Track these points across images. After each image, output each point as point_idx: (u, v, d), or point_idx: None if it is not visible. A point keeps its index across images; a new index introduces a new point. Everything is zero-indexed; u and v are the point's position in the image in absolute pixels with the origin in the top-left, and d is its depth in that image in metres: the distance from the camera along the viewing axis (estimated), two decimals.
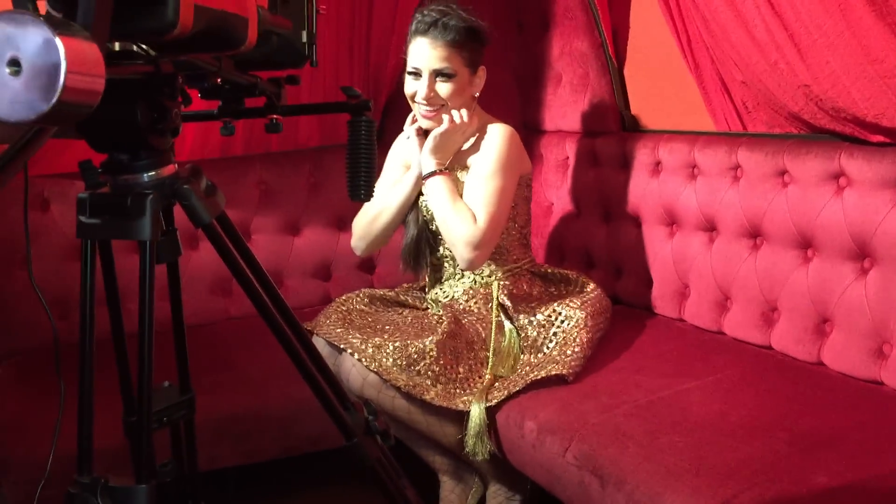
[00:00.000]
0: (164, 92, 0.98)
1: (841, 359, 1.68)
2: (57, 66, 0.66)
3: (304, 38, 1.24)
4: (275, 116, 1.31)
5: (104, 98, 0.76)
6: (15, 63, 0.67)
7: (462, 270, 1.95)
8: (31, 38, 0.66)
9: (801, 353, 1.76)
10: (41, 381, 1.75)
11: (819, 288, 1.73)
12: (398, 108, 2.62)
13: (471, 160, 1.94)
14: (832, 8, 1.51)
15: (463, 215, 1.84)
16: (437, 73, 1.87)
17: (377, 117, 2.65)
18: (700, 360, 1.83)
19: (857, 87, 1.54)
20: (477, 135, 1.96)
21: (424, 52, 1.87)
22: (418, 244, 1.99)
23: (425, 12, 1.89)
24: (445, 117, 1.89)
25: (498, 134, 1.93)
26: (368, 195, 1.36)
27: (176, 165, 1.04)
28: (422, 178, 1.92)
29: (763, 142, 1.90)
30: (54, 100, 0.66)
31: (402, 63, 2.56)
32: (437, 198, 1.88)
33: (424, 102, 1.89)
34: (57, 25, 0.66)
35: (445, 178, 1.89)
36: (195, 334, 2.06)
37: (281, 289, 2.44)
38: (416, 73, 1.89)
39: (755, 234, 1.89)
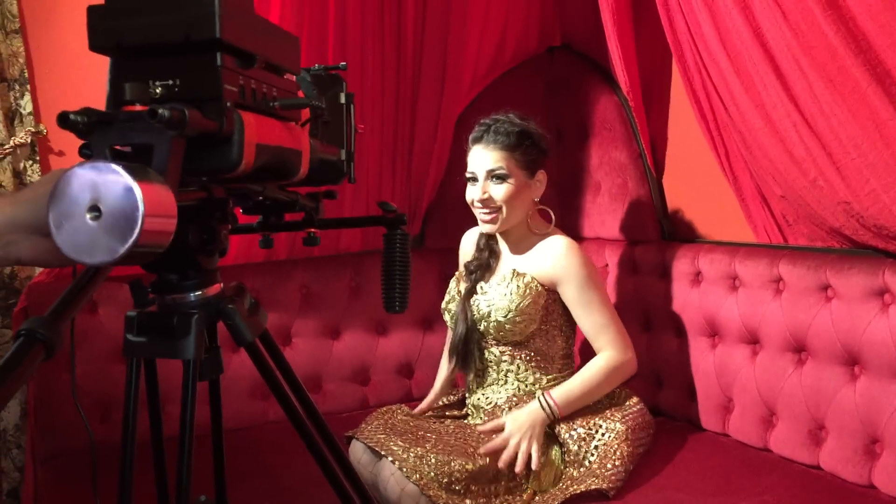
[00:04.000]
0: (215, 216, 1.01)
1: (893, 482, 1.62)
2: (135, 211, 0.70)
3: (343, 157, 1.30)
4: (312, 230, 1.35)
5: None
6: (95, 209, 0.71)
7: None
8: (112, 186, 0.71)
9: (851, 475, 1.70)
10: (79, 487, 1.76)
11: (867, 407, 1.68)
12: (439, 216, 2.68)
13: (538, 268, 1.94)
14: (869, 128, 1.52)
15: (603, 377, 1.90)
16: (490, 175, 1.92)
17: (419, 224, 2.71)
18: (746, 478, 1.77)
19: None
20: (541, 240, 1.98)
21: (479, 157, 1.94)
22: (468, 342, 1.98)
23: (481, 121, 1.98)
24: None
25: (570, 253, 1.93)
26: (403, 307, 1.38)
27: (221, 284, 1.07)
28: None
29: (805, 255, 1.88)
30: (131, 242, 0.70)
31: (444, 171, 2.65)
32: (579, 405, 1.89)
33: (480, 205, 1.94)
34: (135, 172, 0.71)
35: (558, 410, 1.85)
36: (233, 438, 2.09)
37: (319, 392, 2.46)
38: (473, 179, 1.96)
39: (799, 349, 1.86)
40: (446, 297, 2.11)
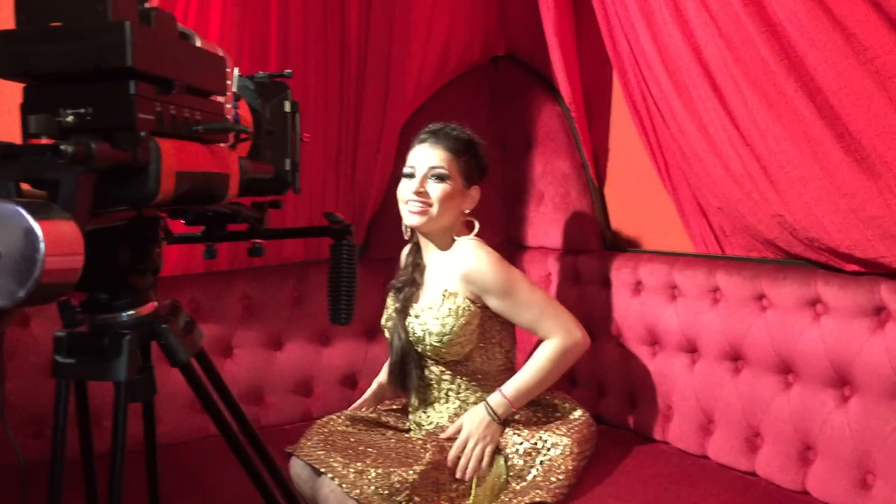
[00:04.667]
0: (146, 235, 0.99)
1: (826, 488, 1.66)
2: (35, 253, 0.67)
3: (288, 167, 1.28)
4: (258, 241, 1.34)
5: (86, 241, 0.76)
6: None
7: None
8: (11, 226, 0.68)
9: (786, 481, 1.74)
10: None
11: (801, 415, 1.72)
12: (383, 225, 2.66)
13: (459, 283, 1.90)
14: (802, 143, 1.56)
15: (552, 364, 1.89)
16: (431, 172, 1.91)
17: (362, 233, 2.69)
18: (684, 486, 1.80)
19: (830, 219, 1.58)
20: (455, 245, 1.96)
21: (423, 154, 1.94)
22: (404, 362, 1.97)
23: (432, 124, 1.99)
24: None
25: (479, 266, 1.89)
26: (349, 319, 1.37)
27: (155, 303, 1.05)
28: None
29: (741, 265, 1.92)
30: (31, 285, 0.67)
31: (388, 180, 2.63)
32: (533, 394, 1.91)
33: (415, 197, 1.91)
34: (37, 211, 0.68)
35: (510, 404, 1.87)
36: (170, 453, 2.04)
37: (261, 405, 2.42)
38: (411, 175, 1.94)
39: (736, 358, 1.89)
40: (384, 315, 2.09)
